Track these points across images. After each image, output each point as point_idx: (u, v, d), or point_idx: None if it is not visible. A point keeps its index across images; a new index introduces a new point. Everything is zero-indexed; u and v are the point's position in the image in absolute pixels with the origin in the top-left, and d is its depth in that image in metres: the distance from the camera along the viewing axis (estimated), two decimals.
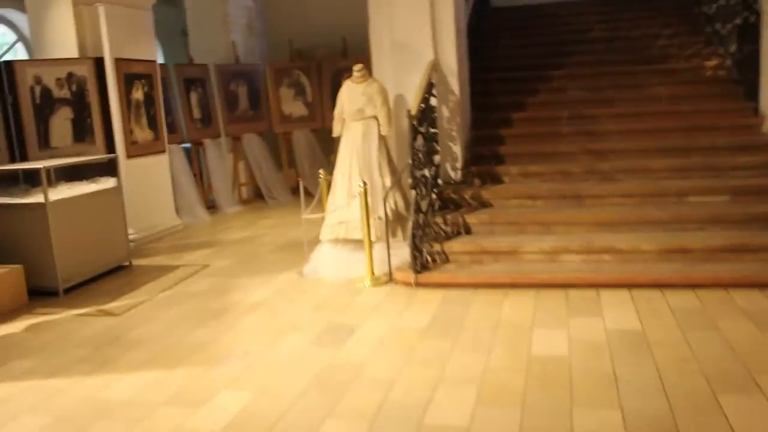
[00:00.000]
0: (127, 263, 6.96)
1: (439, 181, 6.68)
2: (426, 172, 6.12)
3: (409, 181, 5.78)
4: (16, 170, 6.59)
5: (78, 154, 7.42)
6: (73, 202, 6.28)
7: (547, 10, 10.58)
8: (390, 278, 5.86)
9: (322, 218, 6.45)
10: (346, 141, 6.41)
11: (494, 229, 6.21)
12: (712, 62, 8.19)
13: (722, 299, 4.90)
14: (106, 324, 5.23)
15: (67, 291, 6.10)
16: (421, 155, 5.98)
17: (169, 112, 9.26)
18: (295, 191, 10.54)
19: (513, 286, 5.44)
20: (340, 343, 4.53)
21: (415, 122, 5.82)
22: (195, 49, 10.66)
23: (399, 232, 6.28)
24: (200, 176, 10.11)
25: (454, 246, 5.97)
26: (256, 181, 10.70)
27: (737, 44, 7.69)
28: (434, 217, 6.26)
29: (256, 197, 10.79)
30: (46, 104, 7.52)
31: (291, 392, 3.80)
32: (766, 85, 6.97)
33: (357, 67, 6.46)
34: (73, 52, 7.77)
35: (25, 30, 10.14)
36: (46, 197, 5.93)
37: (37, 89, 7.45)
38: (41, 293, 6.00)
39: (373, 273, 5.83)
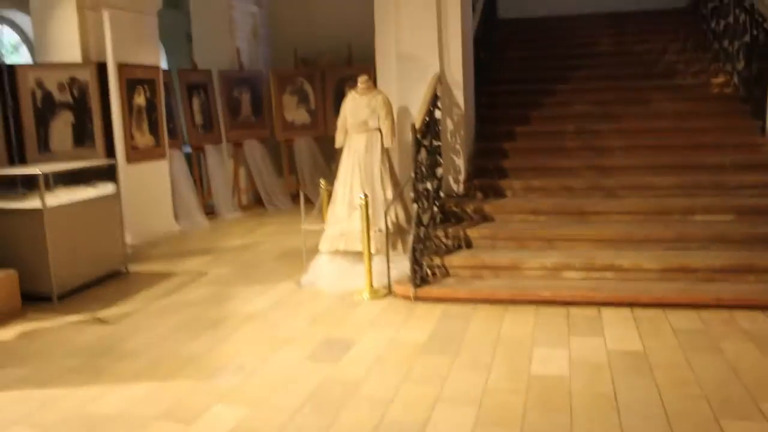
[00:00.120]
0: (123, 269, 6.89)
1: (441, 194, 6.61)
2: (428, 185, 6.06)
3: (411, 194, 5.71)
4: (14, 175, 6.51)
5: (78, 159, 7.36)
6: (70, 208, 6.21)
7: (555, 23, 10.54)
8: (389, 291, 5.78)
9: (322, 229, 6.38)
10: (348, 152, 6.35)
11: (495, 243, 6.14)
12: (719, 79, 8.14)
13: (725, 320, 4.83)
14: (100, 333, 5.15)
15: (62, 297, 6.02)
16: (423, 168, 5.92)
17: (170, 117, 9.22)
18: (295, 198, 10.51)
19: (513, 302, 5.37)
20: (336, 358, 4.45)
21: (418, 136, 5.76)
22: (199, 54, 10.61)
23: (399, 245, 6.22)
24: (200, 181, 10.06)
25: (455, 260, 5.90)
26: (256, 187, 10.64)
27: (745, 62, 7.63)
28: (435, 231, 6.20)
29: (256, 203, 10.73)
30: (47, 108, 7.46)
31: (286, 409, 3.73)
32: None
33: (362, 78, 6.41)
34: (76, 56, 7.72)
35: (29, 32, 10.11)
36: (43, 203, 5.86)
37: (39, 93, 7.39)
38: (35, 298, 5.92)
39: (372, 286, 5.76)
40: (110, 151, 7.77)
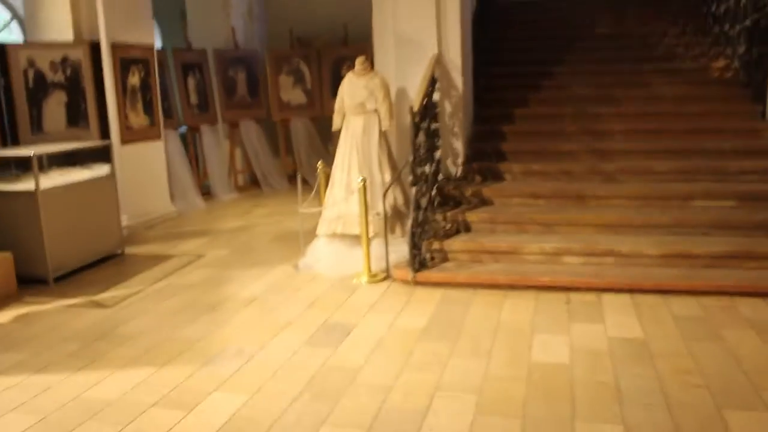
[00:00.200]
0: (119, 252, 6.84)
1: (440, 177, 6.56)
2: (426, 168, 6.01)
3: (410, 178, 5.65)
4: (7, 157, 6.42)
5: (72, 139, 7.28)
6: (64, 190, 6.15)
7: (554, 5, 10.42)
8: (387, 275, 5.75)
9: (320, 212, 6.33)
10: (345, 135, 6.28)
11: (495, 227, 6.10)
12: (719, 63, 8.07)
13: (725, 307, 4.81)
14: (97, 316, 5.11)
15: (58, 280, 5.98)
16: (422, 151, 5.86)
17: (165, 96, 9.11)
18: (291, 179, 10.47)
19: (513, 287, 5.34)
20: (335, 343, 4.42)
21: (417, 118, 5.70)
22: (193, 33, 10.47)
23: (398, 229, 6.18)
24: (196, 162, 9.97)
25: (454, 244, 5.86)
26: (252, 168, 10.56)
27: (746, 46, 7.56)
28: (434, 214, 6.15)
29: (252, 184, 10.65)
30: (39, 88, 7.36)
31: (284, 397, 3.70)
32: None
33: (359, 59, 6.32)
34: (68, 35, 7.60)
35: (20, 9, 9.95)
36: (37, 185, 5.79)
37: (31, 72, 7.29)
38: (31, 281, 5.87)
39: (370, 270, 5.72)
40: (104, 132, 7.68)
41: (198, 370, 4.07)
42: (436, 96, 6.46)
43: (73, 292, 5.69)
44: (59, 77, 7.54)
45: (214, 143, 10.09)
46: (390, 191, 6.08)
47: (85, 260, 6.35)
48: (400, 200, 6.25)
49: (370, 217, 5.76)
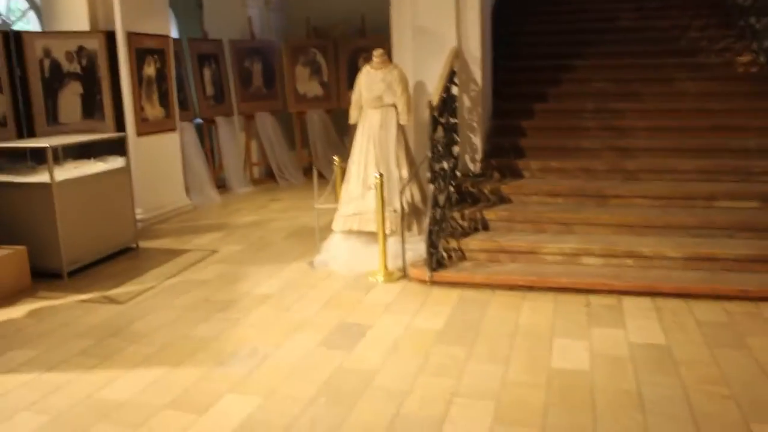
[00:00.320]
0: (133, 245, 6.80)
1: (457, 174, 6.46)
2: (445, 164, 5.91)
3: (428, 174, 5.55)
4: (23, 148, 6.38)
5: (87, 131, 7.24)
6: (79, 182, 6.10)
7: None
8: (404, 274, 5.66)
9: (335, 208, 6.25)
10: (362, 129, 6.19)
11: (513, 226, 6.00)
12: (745, 58, 7.89)
13: (750, 313, 4.69)
14: (110, 312, 5.06)
15: (72, 274, 5.95)
16: (440, 147, 5.76)
17: (180, 88, 9.05)
18: (307, 172, 10.39)
19: (531, 288, 5.24)
20: (350, 344, 4.35)
21: (435, 113, 5.59)
22: (209, 23, 10.41)
23: (414, 226, 6.09)
24: (211, 155, 9.92)
25: (471, 243, 5.76)
26: (267, 160, 10.49)
27: None
28: (451, 212, 6.06)
29: (268, 177, 10.59)
30: (55, 78, 7.31)
31: (299, 400, 3.63)
32: None
33: (377, 52, 6.21)
34: (84, 25, 7.55)
35: None
36: (51, 177, 5.75)
37: (47, 62, 7.24)
38: (45, 275, 5.84)
39: (386, 268, 5.64)
40: (120, 123, 7.63)
41: (211, 371, 4.01)
42: (454, 90, 6.35)
43: (87, 287, 5.66)
44: (75, 67, 7.49)
45: (229, 135, 10.03)
46: (407, 187, 5.98)
47: (99, 254, 6.32)
48: (417, 197, 6.16)
49: (386, 214, 5.67)
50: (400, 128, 6.16)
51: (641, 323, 4.56)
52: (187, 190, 8.79)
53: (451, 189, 6.18)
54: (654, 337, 4.34)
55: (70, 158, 6.55)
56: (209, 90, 9.85)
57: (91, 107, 7.55)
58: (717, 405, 3.46)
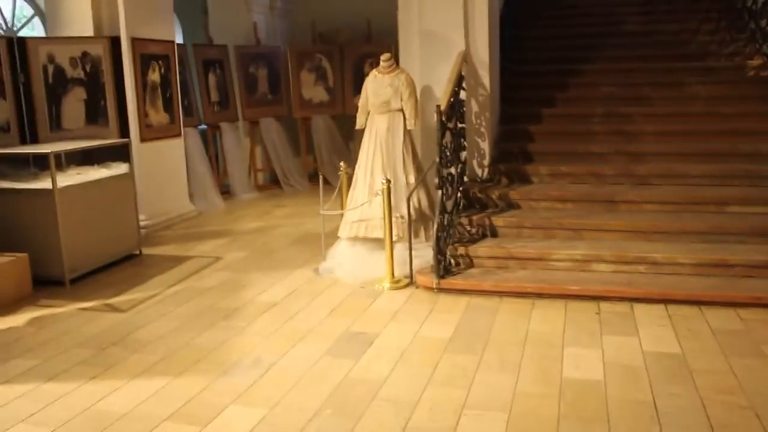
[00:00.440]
0: (137, 252, 6.72)
1: (465, 179, 6.37)
2: (452, 169, 5.82)
3: (436, 180, 5.46)
4: (25, 154, 6.30)
5: (91, 137, 7.16)
6: (82, 189, 6.04)
7: (581, 0, 10.16)
8: (410, 281, 5.57)
9: (341, 215, 6.16)
10: (369, 134, 6.10)
11: (521, 232, 5.90)
12: (755, 61, 7.79)
13: (765, 321, 4.59)
14: (112, 321, 4.98)
15: (74, 281, 5.86)
16: (448, 152, 5.66)
17: (185, 93, 8.99)
18: (312, 178, 10.31)
19: (541, 295, 5.14)
20: (357, 354, 4.25)
21: (444, 118, 5.50)
22: (215, 28, 10.36)
23: (421, 232, 5.99)
24: (215, 161, 9.85)
25: (480, 249, 5.66)
26: (272, 166, 10.42)
27: None
28: (459, 218, 5.96)
29: (272, 183, 10.51)
30: (58, 84, 7.24)
31: (305, 411, 3.53)
32: None
33: (384, 56, 6.13)
34: (88, 31, 7.49)
35: (43, 5, 9.89)
36: (54, 184, 5.68)
37: (50, 68, 7.16)
38: (46, 283, 5.76)
39: (393, 275, 5.54)
40: (124, 129, 7.55)
41: (214, 381, 3.91)
42: (462, 94, 6.26)
43: (89, 295, 5.57)
44: (79, 73, 7.41)
45: (234, 141, 9.96)
46: (414, 193, 5.89)
47: (101, 261, 6.24)
48: (425, 203, 6.07)
49: (393, 220, 5.58)
50: (408, 133, 6.08)
51: (654, 331, 4.46)
52: (191, 196, 8.72)
53: (459, 195, 6.08)
54: (668, 345, 4.24)
55: (74, 164, 6.47)
56: (214, 96, 9.79)
57: (94, 113, 7.48)
58: (735, 416, 3.35)
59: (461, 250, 5.65)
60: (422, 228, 6.01)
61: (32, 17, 10.41)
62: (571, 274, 5.36)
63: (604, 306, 4.92)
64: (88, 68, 7.42)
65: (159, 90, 7.99)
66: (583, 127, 7.17)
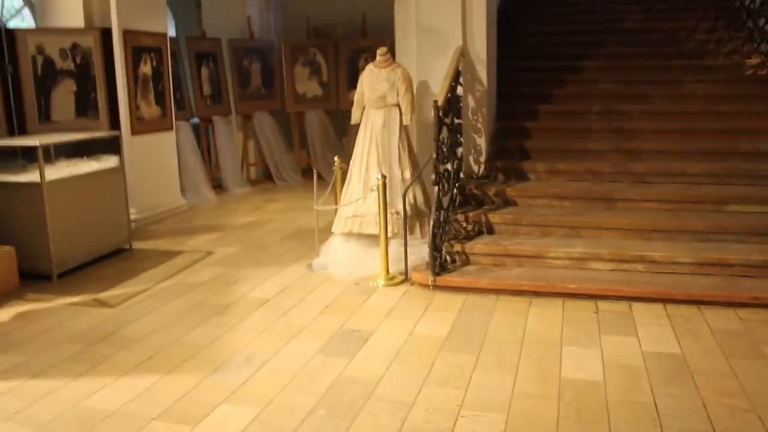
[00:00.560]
0: (127, 246, 6.60)
1: (461, 175, 6.28)
2: (449, 166, 5.73)
3: (432, 176, 5.37)
4: (13, 147, 6.17)
5: (80, 129, 7.04)
6: (71, 182, 5.91)
7: None
8: (405, 278, 5.48)
9: (335, 210, 6.07)
10: (365, 129, 6.00)
11: (518, 229, 5.82)
12: (754, 60, 7.72)
13: (765, 321, 4.53)
14: (100, 316, 4.87)
15: (62, 276, 5.75)
16: (445, 148, 5.57)
17: (177, 87, 8.87)
18: (305, 173, 10.22)
19: (538, 293, 5.06)
20: (351, 352, 4.16)
21: (441, 113, 5.41)
22: (208, 21, 10.22)
23: (417, 229, 5.90)
24: (208, 155, 9.73)
25: (476, 246, 5.58)
26: (265, 161, 10.31)
27: None
28: (455, 214, 5.88)
29: (265, 178, 10.41)
30: (48, 76, 7.11)
31: (298, 411, 3.44)
32: None
33: (381, 50, 6.03)
34: (79, 22, 7.36)
35: None
36: (42, 176, 5.56)
37: (40, 59, 7.04)
38: (34, 277, 5.65)
39: (387, 272, 5.45)
40: (114, 122, 7.43)
41: (205, 379, 3.82)
42: (459, 90, 6.17)
43: (77, 290, 5.46)
44: (69, 65, 7.30)
45: (227, 135, 9.84)
46: (409, 189, 5.80)
47: (90, 255, 6.12)
48: (420, 199, 5.98)
49: (388, 216, 5.49)
50: (403, 129, 5.98)
51: (653, 331, 4.39)
52: (183, 190, 8.61)
53: (455, 191, 5.99)
54: (667, 345, 4.17)
55: (63, 157, 6.36)
56: (207, 89, 9.67)
57: (84, 105, 7.36)
58: (737, 419, 3.28)
59: (457, 247, 5.57)
60: (417, 224, 5.92)
61: (22, 8, 10.27)
62: (569, 272, 5.28)
63: (602, 305, 4.85)
64: (78, 60, 7.30)
65: (151, 83, 7.87)
66: (580, 124, 7.09)
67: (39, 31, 7.42)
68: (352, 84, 8.66)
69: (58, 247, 5.69)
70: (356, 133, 6.17)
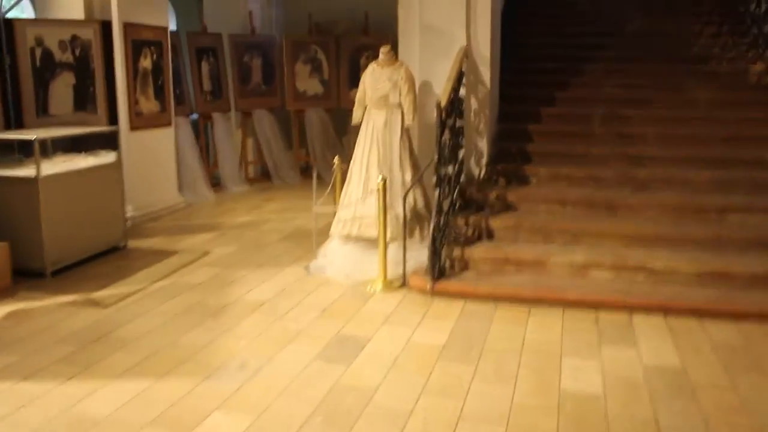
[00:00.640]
0: (122, 245, 6.52)
1: (462, 179, 6.21)
2: (450, 169, 5.66)
3: (433, 179, 5.30)
4: (9, 140, 6.08)
5: (78, 124, 6.96)
6: (67, 177, 5.84)
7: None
8: (404, 283, 5.41)
9: (334, 212, 5.99)
10: (366, 130, 5.92)
11: (518, 235, 5.75)
12: (758, 67, 7.67)
13: None
14: (94, 316, 4.79)
15: (56, 273, 5.67)
16: (446, 151, 5.50)
17: (177, 82, 8.77)
18: (303, 172, 10.15)
19: (537, 301, 5.00)
20: (348, 359, 4.09)
21: (444, 115, 5.34)
22: (209, 16, 10.12)
23: (416, 232, 5.82)
24: (206, 152, 9.65)
25: (475, 252, 5.52)
26: (264, 159, 10.23)
27: None
28: (455, 219, 5.81)
29: (263, 176, 10.32)
30: (46, 68, 7.02)
31: (294, 419, 3.38)
32: None
33: (384, 49, 5.94)
34: (78, 14, 7.28)
35: None
36: (38, 171, 5.48)
37: (38, 51, 6.95)
38: (27, 274, 5.56)
39: (385, 276, 5.38)
40: (113, 117, 7.36)
41: (199, 385, 3.75)
42: (461, 91, 6.10)
43: (71, 288, 5.38)
44: (68, 57, 7.21)
45: (226, 132, 9.75)
46: (410, 192, 5.73)
47: (85, 253, 6.04)
48: (420, 202, 5.90)
49: (387, 219, 5.42)
50: (405, 130, 5.90)
51: (654, 343, 4.33)
52: (180, 187, 8.52)
53: (455, 194, 5.93)
54: (668, 358, 4.11)
55: (60, 151, 6.27)
56: (206, 85, 9.58)
57: (83, 99, 7.27)
58: None
59: (456, 252, 5.51)
60: (417, 228, 5.84)
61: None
62: (569, 280, 5.23)
63: (602, 314, 4.79)
64: (77, 52, 7.22)
65: (150, 77, 7.79)
66: (583, 129, 7.03)
67: (38, 22, 7.34)
68: (353, 82, 8.58)
69: (53, 244, 5.61)
70: (356, 132, 6.10)
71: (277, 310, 4.93)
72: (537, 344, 4.32)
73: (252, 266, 5.96)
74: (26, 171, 5.63)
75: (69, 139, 6.32)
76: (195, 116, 9.54)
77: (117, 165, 6.42)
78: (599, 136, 6.91)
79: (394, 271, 5.47)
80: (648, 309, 4.83)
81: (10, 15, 8.68)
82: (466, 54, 6.19)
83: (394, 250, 5.55)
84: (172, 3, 10.07)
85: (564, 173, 6.43)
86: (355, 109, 6.05)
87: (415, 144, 6.08)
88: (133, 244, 6.65)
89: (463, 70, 6.11)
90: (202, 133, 9.59)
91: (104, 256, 6.25)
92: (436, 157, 5.30)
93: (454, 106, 5.81)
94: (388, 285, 5.35)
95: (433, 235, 5.20)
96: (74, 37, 7.24)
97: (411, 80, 5.87)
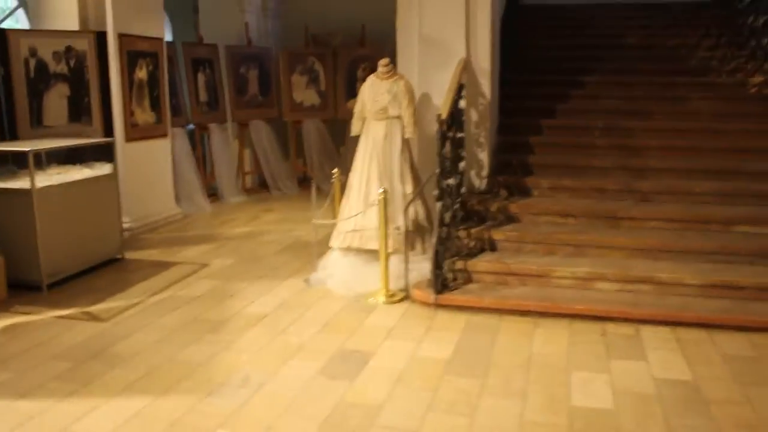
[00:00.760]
0: (119, 257, 6.42)
1: (463, 190, 6.14)
2: (451, 180, 5.59)
3: (435, 191, 5.23)
4: (3, 152, 5.98)
5: (73, 135, 6.87)
6: (62, 189, 5.74)
7: (581, 13, 10.01)
8: (406, 296, 5.33)
9: (334, 224, 5.91)
10: (365, 142, 5.85)
11: (522, 247, 5.68)
12: (757, 79, 7.65)
13: None
14: (91, 331, 4.69)
15: (52, 286, 5.56)
16: (447, 163, 5.44)
17: (173, 93, 8.70)
18: (301, 183, 10.07)
19: (543, 314, 4.92)
20: (352, 374, 4.00)
21: (444, 127, 5.28)
22: (205, 27, 10.07)
23: (418, 245, 5.75)
24: (203, 162, 9.56)
25: (478, 264, 5.44)
26: (261, 170, 10.15)
27: None
28: (457, 231, 5.73)
29: (261, 187, 10.24)
30: (40, 79, 6.94)
31: None
32: None
33: (383, 61, 5.89)
34: (73, 24, 7.21)
35: None
36: (32, 183, 5.38)
37: (32, 62, 6.86)
38: (23, 287, 5.46)
39: (387, 289, 5.30)
40: (108, 128, 7.27)
41: (199, 402, 3.65)
42: (461, 103, 6.04)
43: (67, 302, 5.27)
44: (62, 68, 7.13)
45: (222, 143, 9.67)
46: (411, 204, 5.65)
47: (81, 265, 5.94)
48: (421, 214, 5.83)
49: (388, 232, 5.34)
50: (405, 142, 5.84)
51: (663, 356, 4.26)
52: (177, 198, 8.43)
53: (457, 206, 5.86)
54: (679, 372, 4.03)
55: (55, 163, 6.18)
56: (203, 96, 9.51)
57: (78, 110, 7.19)
58: None
59: (459, 265, 5.43)
60: (419, 240, 5.77)
61: (16, 8, 10.09)
62: (574, 293, 5.15)
63: (609, 327, 4.72)
64: (72, 63, 7.14)
65: (146, 88, 7.71)
66: (583, 140, 6.98)
67: (32, 32, 7.25)
68: (351, 93, 8.53)
69: (48, 257, 5.51)
70: (354, 142, 6.03)
71: (278, 323, 4.83)
72: (544, 357, 4.24)
73: (251, 278, 5.87)
74: (21, 183, 5.54)
75: (64, 151, 6.23)
76: (191, 127, 9.46)
77: (113, 176, 6.33)
78: (600, 147, 6.86)
79: (395, 283, 5.39)
80: (655, 321, 4.76)
81: (4, 25, 8.61)
82: (466, 66, 6.14)
83: (395, 262, 5.47)
84: (167, 14, 10.02)
85: (566, 185, 6.37)
86: (353, 120, 5.99)
87: (414, 156, 6.01)
88: (130, 256, 6.55)
89: (463, 82, 6.05)
90: (198, 143, 9.50)
91: (101, 268, 6.15)
92: (438, 169, 5.22)
93: (455, 118, 5.74)
94: (391, 298, 5.26)
95: (435, 247, 5.12)
96: (69, 48, 7.17)
97: (411, 93, 5.82)
